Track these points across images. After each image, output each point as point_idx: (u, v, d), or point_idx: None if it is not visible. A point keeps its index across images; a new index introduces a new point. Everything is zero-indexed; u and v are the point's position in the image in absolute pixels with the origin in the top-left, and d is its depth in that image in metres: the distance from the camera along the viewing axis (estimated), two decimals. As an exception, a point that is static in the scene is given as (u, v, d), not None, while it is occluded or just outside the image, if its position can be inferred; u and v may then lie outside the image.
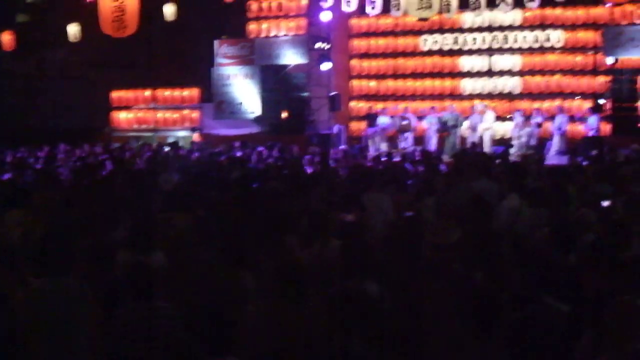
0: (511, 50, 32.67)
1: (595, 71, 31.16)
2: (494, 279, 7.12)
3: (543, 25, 32.05)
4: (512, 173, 13.49)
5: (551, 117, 29.91)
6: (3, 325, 6.61)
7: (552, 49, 32.00)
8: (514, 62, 32.59)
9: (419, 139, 31.36)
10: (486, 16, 32.49)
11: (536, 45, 32.19)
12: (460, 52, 33.58)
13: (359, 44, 35.50)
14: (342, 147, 29.82)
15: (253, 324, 6.55)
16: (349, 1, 30.41)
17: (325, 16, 31.82)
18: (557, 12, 31.66)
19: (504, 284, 6.75)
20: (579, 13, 31.48)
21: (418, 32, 34.26)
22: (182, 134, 35.17)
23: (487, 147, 29.20)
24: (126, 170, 18.76)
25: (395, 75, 34.71)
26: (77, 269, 7.34)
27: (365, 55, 35.43)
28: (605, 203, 11.30)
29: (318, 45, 32.54)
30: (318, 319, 6.22)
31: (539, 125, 29.21)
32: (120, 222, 10.11)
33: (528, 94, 32.22)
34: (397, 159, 22.85)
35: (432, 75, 34.04)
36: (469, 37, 33.29)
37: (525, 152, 24.50)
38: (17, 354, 6.66)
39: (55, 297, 6.91)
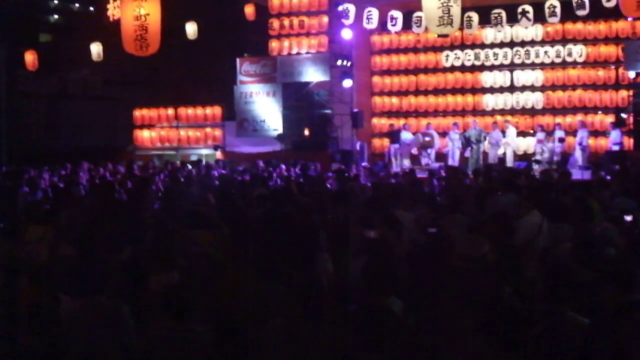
0: (533, 66, 32.64)
1: (617, 85, 31.13)
2: (519, 293, 7.13)
3: (564, 40, 32.02)
4: (535, 189, 13.45)
5: (573, 132, 29.86)
6: (44, 341, 6.64)
7: (573, 64, 31.96)
8: (535, 77, 32.56)
9: (441, 155, 31.38)
10: (507, 32, 32.56)
11: (558, 60, 32.17)
12: (481, 68, 33.57)
13: (380, 60, 35.56)
14: (364, 164, 29.83)
15: (274, 339, 6.56)
16: (370, 18, 30.55)
17: (347, 33, 31.89)
18: (579, 27, 31.66)
19: (527, 298, 6.74)
20: (600, 27, 31.47)
21: (439, 49, 34.31)
22: (204, 152, 35.24)
23: (509, 163, 29.15)
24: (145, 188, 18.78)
25: (417, 92, 34.74)
26: (110, 288, 7.35)
27: (387, 72, 35.49)
28: (629, 217, 11.25)
29: (340, 62, 32.54)
30: (338, 335, 6.22)
31: (562, 140, 29.15)
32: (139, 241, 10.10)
33: (550, 109, 32.17)
34: (421, 175, 22.81)
35: (454, 91, 34.09)
36: (491, 52, 33.25)
37: (547, 168, 24.38)
38: None
39: (89, 317, 6.93)
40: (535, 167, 27.19)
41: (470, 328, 6.12)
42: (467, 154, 29.87)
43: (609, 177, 20.75)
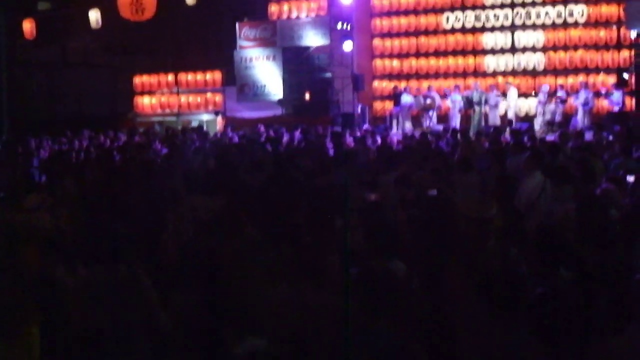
0: (534, 27, 32.42)
1: (619, 45, 30.94)
2: (522, 255, 7.12)
3: (565, 0, 31.78)
4: (538, 150, 13.41)
5: (575, 93, 29.76)
6: (56, 311, 6.62)
7: (575, 24, 31.72)
8: (536, 38, 32.35)
9: (443, 117, 31.34)
10: (508, -8, 32.40)
11: (559, 21, 31.93)
12: (482, 29, 33.38)
13: (380, 23, 35.37)
14: (366, 126, 29.82)
15: (275, 304, 6.55)
16: (370, -20, 30.36)
17: (347, -4, 31.77)
18: (580, -13, 31.46)
19: (529, 260, 6.73)
20: (601, -13, 31.28)
21: (440, 10, 34.15)
22: (205, 117, 35.25)
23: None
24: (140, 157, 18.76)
25: (418, 54, 34.58)
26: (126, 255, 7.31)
27: (388, 34, 35.31)
28: (631, 178, 11.23)
29: (340, 25, 32.45)
30: (339, 299, 6.21)
31: (563, 101, 29.05)
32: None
33: (552, 70, 32.00)
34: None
35: (455, 53, 33.93)
36: (491, 13, 33.08)
37: (565, 130, 24.26)
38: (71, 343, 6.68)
39: (106, 284, 6.89)
40: (537, 128, 27.09)
41: (473, 291, 6.12)
42: (471, 115, 29.84)
43: (611, 138, 20.73)
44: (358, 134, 24.84)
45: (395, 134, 28.53)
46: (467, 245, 7.28)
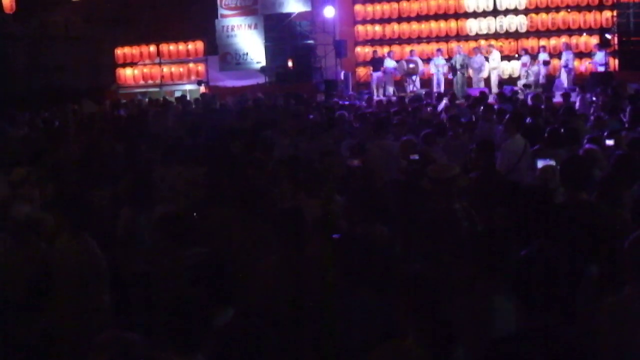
0: (516, -12, 32.34)
1: (601, 6, 30.89)
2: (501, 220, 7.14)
3: (547, -38, 31.69)
4: (518, 114, 13.42)
5: (558, 55, 29.76)
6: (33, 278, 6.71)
7: (557, -15, 31.67)
8: (518, 0, 32.24)
9: (426, 82, 31.30)
10: (489, -46, 32.27)
11: (541, -18, 31.88)
12: (464, -8, 33.26)
13: (362, -12, 35.22)
14: (350, 92, 29.85)
15: (265, 277, 6.53)
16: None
17: (327, -39, 31.62)
18: (561, -53, 31.34)
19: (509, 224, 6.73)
20: (583, -53, 31.17)
21: (421, -26, 33.97)
22: (188, 87, 35.15)
23: (494, 87, 29.13)
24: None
25: (400, 19, 34.45)
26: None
27: (369, -1, 35.15)
28: (610, 142, 11.22)
29: (321, -9, 32.33)
30: (321, 265, 6.19)
31: (547, 62, 29.03)
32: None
33: (534, 32, 31.96)
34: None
35: (437, 17, 33.79)
36: (473, -24, 32.97)
37: (537, 92, 24.17)
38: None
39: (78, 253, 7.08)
40: (526, 91, 27.06)
41: (455, 255, 6.12)
42: (453, 79, 29.82)
43: (594, 99, 20.77)
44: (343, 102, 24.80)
45: (378, 98, 28.52)
46: (433, 204, 7.40)
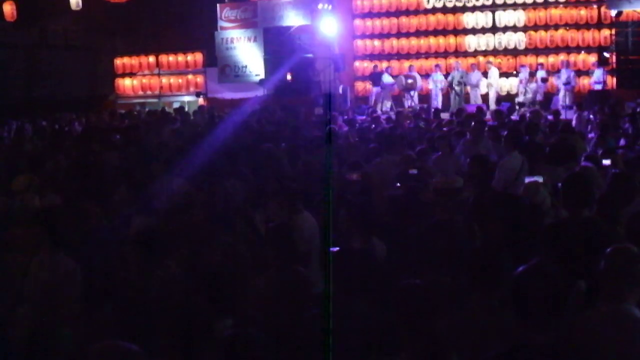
0: (514, 5, 32.42)
1: (599, 24, 30.99)
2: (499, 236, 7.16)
3: (546, -20, 31.82)
4: (515, 130, 13.47)
5: (556, 72, 29.84)
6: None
7: (555, 3, 31.79)
8: (517, 17, 32.32)
9: (424, 97, 31.37)
10: (489, -28, 32.36)
11: (540, 0, 31.97)
12: (463, 9, 33.30)
13: (362, 3, 35.28)
14: (348, 106, 29.89)
15: (254, 287, 6.56)
16: (351, -40, 30.26)
17: (327, -24, 31.68)
18: (560, -35, 31.47)
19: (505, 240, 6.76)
20: (582, -35, 31.30)
21: (421, -11, 34.05)
22: (187, 98, 35.18)
23: (492, 104, 29.19)
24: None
25: (399, 34, 34.51)
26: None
27: (369, 14, 35.22)
28: (607, 162, 11.23)
29: (321, 5, 32.34)
30: (317, 278, 6.22)
31: (544, 80, 29.12)
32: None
33: (533, 49, 32.06)
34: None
35: (436, 32, 33.84)
36: (472, -7, 33.07)
37: (536, 109, 24.24)
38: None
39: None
40: (522, 109, 27.10)
41: (451, 268, 6.15)
42: (451, 95, 29.90)
43: (592, 117, 20.83)
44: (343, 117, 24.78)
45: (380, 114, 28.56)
46: (433, 214, 7.43)
